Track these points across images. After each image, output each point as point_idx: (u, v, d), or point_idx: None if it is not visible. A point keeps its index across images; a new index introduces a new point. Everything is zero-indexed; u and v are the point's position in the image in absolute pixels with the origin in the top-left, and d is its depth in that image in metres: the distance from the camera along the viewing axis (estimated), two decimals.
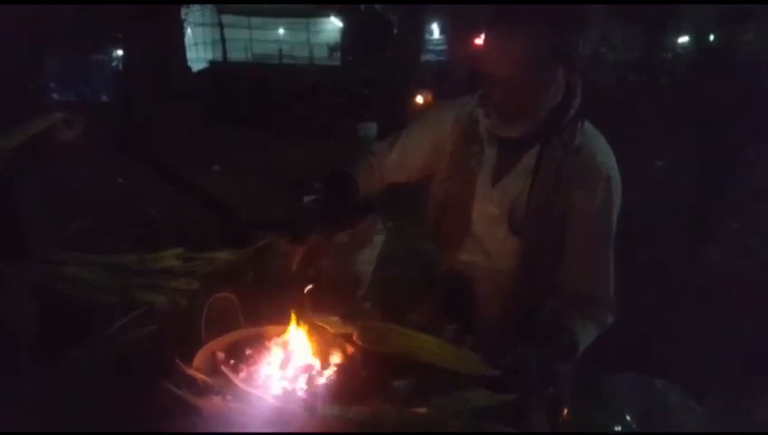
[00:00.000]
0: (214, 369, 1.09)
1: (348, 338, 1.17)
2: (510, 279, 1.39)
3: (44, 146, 1.72)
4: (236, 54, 17.35)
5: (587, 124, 1.35)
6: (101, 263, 1.36)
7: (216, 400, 0.93)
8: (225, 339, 1.20)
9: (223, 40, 17.18)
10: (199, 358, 1.11)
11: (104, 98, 7.97)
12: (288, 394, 1.01)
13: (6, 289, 1.21)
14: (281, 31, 19.72)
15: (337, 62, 18.49)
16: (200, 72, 14.14)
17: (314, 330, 1.20)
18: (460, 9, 13.58)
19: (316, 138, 7.45)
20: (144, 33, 8.85)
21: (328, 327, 1.19)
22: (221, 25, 17.28)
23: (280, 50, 18.36)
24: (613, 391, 0.85)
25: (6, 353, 1.11)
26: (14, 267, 1.26)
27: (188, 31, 17.30)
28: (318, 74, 14.44)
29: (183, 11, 13.96)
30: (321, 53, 19.50)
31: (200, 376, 0.99)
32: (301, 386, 1.08)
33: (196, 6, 16.26)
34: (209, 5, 17.40)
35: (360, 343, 1.14)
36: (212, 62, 16.38)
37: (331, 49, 19.73)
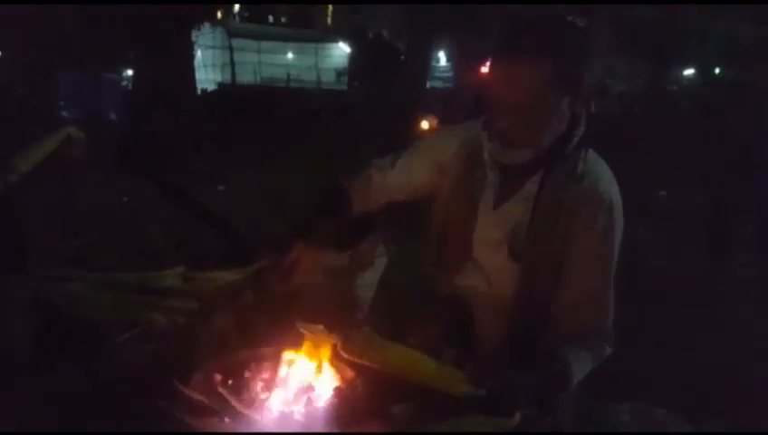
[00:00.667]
0: (211, 390, 1.08)
1: (332, 348, 1.16)
2: (509, 306, 1.38)
3: (56, 162, 1.74)
4: (245, 77, 17.57)
5: (591, 153, 1.35)
6: (101, 280, 1.36)
7: (213, 421, 0.91)
8: (224, 359, 1.19)
9: (232, 63, 17.42)
10: (197, 378, 1.10)
11: (113, 116, 8.06)
12: (284, 417, 0.99)
13: (4, 303, 1.21)
14: (289, 55, 19.97)
15: (344, 87, 18.72)
16: (209, 94, 14.34)
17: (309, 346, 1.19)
18: (466, 36, 13.77)
19: (323, 159, 7.50)
20: (154, 53, 9.02)
21: (312, 335, 1.18)
22: (231, 49, 17.53)
23: (288, 74, 18.57)
24: (613, 419, 0.83)
25: (1, 368, 1.10)
26: (12, 282, 1.26)
27: (199, 53, 17.60)
28: (324, 98, 14.60)
29: (194, 34, 14.22)
30: (328, 78, 19.74)
31: (198, 397, 0.97)
32: (298, 409, 1.07)
33: (207, 30, 16.57)
34: (220, 29, 17.71)
35: (343, 353, 1.13)
36: (221, 85, 16.59)
37: (339, 74, 19.97)
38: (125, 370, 1.14)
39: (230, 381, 1.10)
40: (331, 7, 24.45)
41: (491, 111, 1.32)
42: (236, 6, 22.31)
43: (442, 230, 1.51)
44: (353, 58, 19.30)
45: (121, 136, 7.01)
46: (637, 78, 16.84)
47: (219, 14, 19.64)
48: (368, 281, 1.68)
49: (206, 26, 16.15)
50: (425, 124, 8.61)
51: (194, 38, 14.64)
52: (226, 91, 15.32)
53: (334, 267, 1.66)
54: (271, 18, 24.27)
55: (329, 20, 25.20)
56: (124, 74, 10.37)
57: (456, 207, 1.46)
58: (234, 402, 0.98)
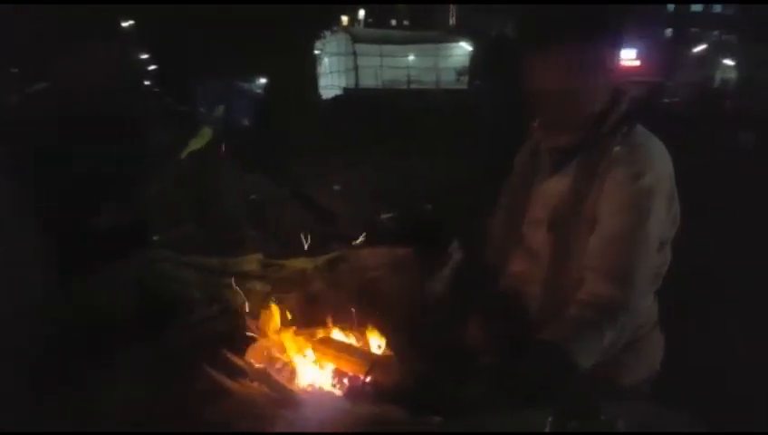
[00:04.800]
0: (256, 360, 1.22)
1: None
2: (552, 284, 1.38)
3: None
4: (368, 81, 18.22)
5: (638, 129, 1.35)
6: (191, 263, 1.56)
7: (247, 384, 1.04)
8: (282, 334, 1.32)
9: (356, 68, 18.15)
10: (252, 349, 1.25)
11: (245, 122, 8.79)
12: (318, 391, 1.10)
13: (112, 281, 1.45)
14: (410, 57, 20.32)
15: (464, 86, 18.65)
16: (334, 98, 15.08)
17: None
18: None
19: (441, 158, 7.58)
20: (283, 62, 9.73)
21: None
22: (354, 54, 18.26)
23: (408, 75, 18.93)
24: (603, 417, 0.81)
25: (105, 336, 1.31)
26: (119, 263, 1.50)
27: (326, 60, 18.56)
28: (445, 98, 14.68)
29: (321, 42, 15.10)
30: (448, 78, 19.79)
31: (239, 362, 1.11)
32: (339, 385, 1.18)
33: (333, 37, 17.45)
34: (344, 36, 18.53)
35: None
36: (345, 89, 17.34)
37: (459, 73, 19.93)
38: (200, 341, 1.31)
39: (278, 356, 1.23)
40: (453, 6, 24.46)
41: (530, 99, 1.36)
42: (361, 12, 23.16)
43: (499, 220, 1.59)
44: (474, 57, 19.15)
45: (249, 139, 7.64)
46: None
47: (345, 21, 20.55)
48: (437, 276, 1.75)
49: (332, 34, 17.04)
50: None
51: (321, 46, 15.55)
52: (350, 94, 16.00)
53: (404, 263, 1.75)
54: (394, 21, 24.83)
55: (452, 19, 25.22)
56: (255, 83, 11.25)
57: (514, 194, 1.53)
58: (263, 369, 1.10)
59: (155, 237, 1.95)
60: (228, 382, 1.02)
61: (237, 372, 1.09)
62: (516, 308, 1.49)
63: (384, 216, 2.11)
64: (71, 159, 1.89)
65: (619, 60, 1.36)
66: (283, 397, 0.98)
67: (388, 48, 19.40)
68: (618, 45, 1.33)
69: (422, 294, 1.67)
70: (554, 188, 1.40)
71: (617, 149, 1.31)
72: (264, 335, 1.33)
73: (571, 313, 1.28)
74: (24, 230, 2.08)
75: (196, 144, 2.08)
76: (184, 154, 2.09)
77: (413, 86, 18.46)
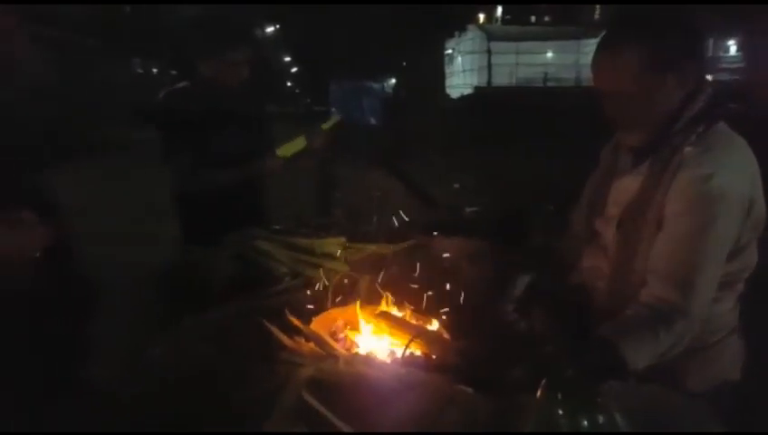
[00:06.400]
0: (329, 329, 1.39)
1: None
2: (616, 283, 1.39)
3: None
4: (501, 79, 17.95)
5: (718, 127, 1.31)
6: (282, 241, 1.78)
7: (300, 341, 1.20)
8: (348, 308, 1.48)
9: (489, 66, 17.97)
10: (321, 319, 1.42)
11: (373, 121, 9.18)
12: (363, 355, 1.24)
13: (214, 254, 1.71)
14: (549, 54, 19.63)
15: None
16: (465, 97, 15.07)
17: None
18: (756, 22, 11.64)
19: (571, 158, 7.32)
20: (412, 62, 9.99)
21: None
22: (489, 52, 18.08)
23: (545, 73, 18.33)
24: (614, 394, 0.82)
25: (208, 296, 1.57)
26: (227, 238, 1.77)
27: (459, 59, 18.57)
28: (582, 96, 14.01)
29: (455, 41, 15.17)
30: (589, 75, 18.81)
31: (296, 322, 1.29)
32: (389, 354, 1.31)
33: (467, 35, 17.42)
34: (480, 34, 18.39)
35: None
36: (477, 88, 17.25)
37: None
38: (276, 307, 1.50)
39: (341, 325, 1.39)
40: None
41: (599, 100, 1.37)
42: (499, 10, 22.80)
43: (577, 217, 1.62)
44: None
45: (380, 138, 8.00)
46: None
47: (481, 19, 20.39)
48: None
49: (467, 33, 17.00)
50: None
51: (455, 44, 15.61)
52: (481, 93, 15.89)
53: (477, 254, 1.83)
54: (533, 18, 24.09)
55: (596, 14, 23.90)
56: (385, 83, 11.64)
57: (595, 190, 1.56)
58: (319, 334, 1.26)
59: (265, 221, 2.23)
60: (283, 338, 1.20)
61: (296, 332, 1.27)
62: (583, 302, 1.52)
63: (469, 209, 2.18)
64: (206, 149, 2.20)
65: (692, 60, 1.32)
66: (327, 354, 1.14)
67: (524, 45, 18.93)
68: (687, 46, 1.30)
69: (489, 284, 1.74)
70: (627, 186, 1.41)
71: (688, 149, 1.29)
72: (333, 307, 1.51)
73: (629, 313, 1.29)
74: (165, 209, 2.48)
75: (285, 151, 2.27)
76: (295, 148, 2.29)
77: (550, 84, 17.84)
